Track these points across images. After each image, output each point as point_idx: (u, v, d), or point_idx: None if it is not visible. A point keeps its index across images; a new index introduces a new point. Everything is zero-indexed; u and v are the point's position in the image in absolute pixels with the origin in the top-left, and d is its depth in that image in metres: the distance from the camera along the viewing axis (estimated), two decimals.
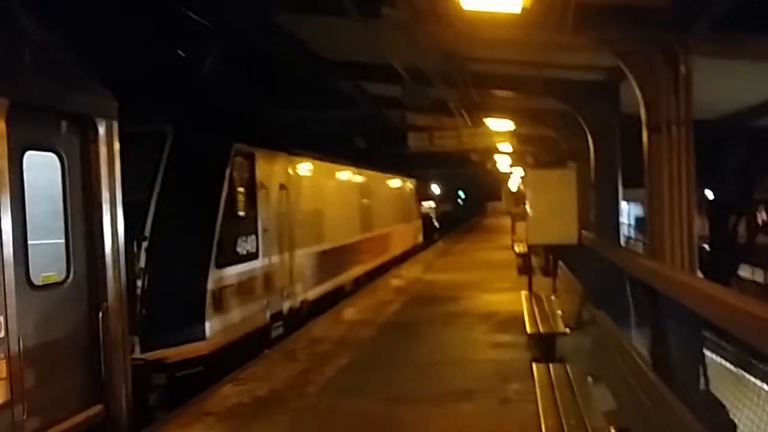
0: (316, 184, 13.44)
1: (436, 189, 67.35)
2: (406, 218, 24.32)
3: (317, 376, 7.73)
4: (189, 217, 8.42)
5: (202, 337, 8.14)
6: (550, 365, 5.67)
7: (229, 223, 8.89)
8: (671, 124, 6.10)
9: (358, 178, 17.28)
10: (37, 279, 5.42)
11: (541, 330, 7.04)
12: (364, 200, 17.79)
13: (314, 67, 11.87)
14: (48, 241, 5.85)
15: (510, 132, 13.40)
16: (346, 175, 16.24)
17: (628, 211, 29.09)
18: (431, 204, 59.58)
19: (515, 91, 10.54)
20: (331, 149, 15.19)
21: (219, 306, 8.55)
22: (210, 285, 8.34)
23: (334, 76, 12.50)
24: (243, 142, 9.51)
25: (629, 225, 26.37)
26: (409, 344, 9.32)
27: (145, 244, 7.81)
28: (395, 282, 16.20)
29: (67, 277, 5.71)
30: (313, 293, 12.48)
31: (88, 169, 5.98)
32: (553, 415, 4.56)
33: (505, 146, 15.86)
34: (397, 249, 21.56)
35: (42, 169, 5.64)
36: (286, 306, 10.98)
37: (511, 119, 12.22)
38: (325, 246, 13.49)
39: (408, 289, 14.75)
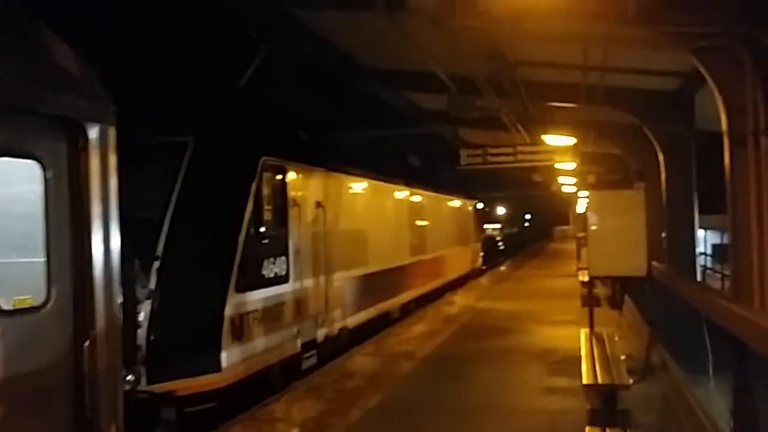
0: (359, 203, 12.63)
1: (501, 211, 66.06)
2: (463, 241, 23.21)
3: (338, 419, 6.83)
4: (207, 236, 7.72)
5: (217, 369, 7.37)
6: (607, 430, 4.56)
7: (254, 243, 8.13)
8: (760, 135, 4.96)
9: (410, 198, 16.39)
10: (8, 302, 4.78)
11: (600, 380, 5.92)
12: (416, 221, 16.86)
13: (357, 77, 11.11)
14: (24, 260, 5.20)
15: (572, 149, 12.28)
16: (396, 194, 15.38)
17: (704, 238, 27.07)
18: (496, 226, 58.29)
19: (574, 102, 9.43)
20: (382, 167, 14.38)
21: (239, 334, 7.78)
22: (228, 311, 7.57)
23: (378, 85, 11.69)
24: (273, 155, 8.78)
25: (705, 254, 24.40)
26: (448, 385, 8.29)
27: (156, 264, 7.13)
28: (445, 309, 15.16)
29: (47, 301, 5.04)
30: (353, 320, 11.60)
31: (77, 180, 5.31)
32: None
33: (568, 165, 14.67)
34: (452, 273, 20.48)
35: (20, 179, 5.03)
36: (320, 334, 10.14)
37: (572, 134, 11.11)
38: (369, 269, 12.62)
39: (458, 319, 13.69)
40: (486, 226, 52.11)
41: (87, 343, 5.24)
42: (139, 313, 6.70)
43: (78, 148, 5.33)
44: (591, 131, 11.14)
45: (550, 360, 9.47)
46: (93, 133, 5.40)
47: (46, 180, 5.05)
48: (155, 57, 8.61)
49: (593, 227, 8.42)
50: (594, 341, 7.67)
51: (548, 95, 9.87)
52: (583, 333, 8.31)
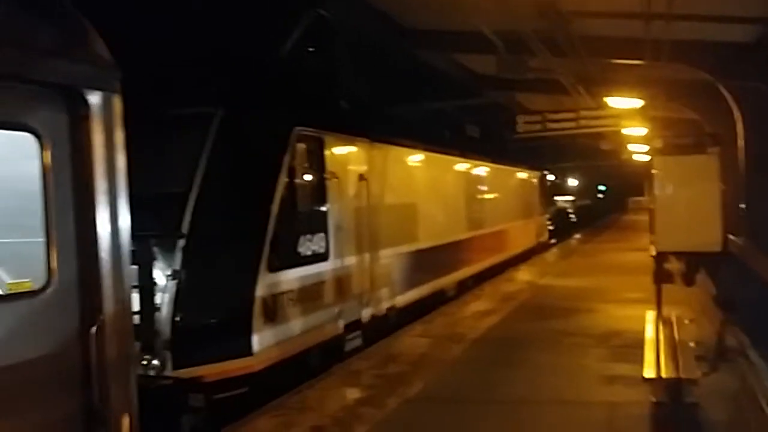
0: (408, 176, 12.00)
1: (573, 183, 64.10)
2: (528, 214, 22.24)
3: (374, 409, 6.33)
4: (236, 212, 7.29)
5: (248, 353, 6.98)
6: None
7: (288, 220, 7.66)
8: None
9: (466, 170, 15.63)
10: (2, 286, 4.46)
11: (664, 373, 5.16)
12: (474, 194, 16.10)
13: (404, 41, 10.39)
14: (21, 241, 4.87)
15: (639, 112, 11.21)
16: (450, 166, 14.65)
17: None
18: (568, 198, 56.72)
19: (639, 58, 8.43)
20: (435, 138, 13.68)
21: (272, 316, 7.36)
22: (260, 291, 7.16)
23: (423, 47, 10.91)
24: (308, 126, 8.27)
25: None
26: (499, 371, 7.66)
27: (181, 242, 6.76)
28: (504, 287, 14.42)
29: (47, 284, 4.72)
30: (403, 299, 11.07)
31: (78, 153, 4.93)
32: None
33: (637, 131, 13.54)
34: (514, 248, 19.61)
35: (14, 153, 4.69)
36: (366, 314, 9.65)
37: (639, 96, 10.08)
38: (421, 245, 12.02)
39: (517, 296, 12.95)
40: (557, 198, 50.71)
41: (94, 329, 4.90)
42: (156, 295, 6.36)
43: (78, 118, 4.95)
44: (660, 92, 10.08)
45: (614, 343, 8.69)
46: (95, 101, 4.99)
47: (42, 153, 4.70)
48: (181, 20, 8.18)
49: (660, 197, 7.54)
50: (661, 325, 6.86)
51: (609, 51, 8.89)
52: (649, 316, 7.49)
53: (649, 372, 5.25)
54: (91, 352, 4.79)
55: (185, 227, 6.82)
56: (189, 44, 8.11)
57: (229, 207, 7.23)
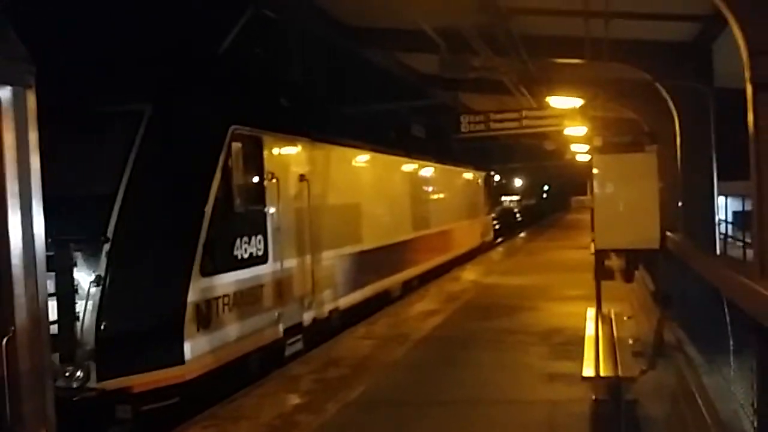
0: (352, 176, 11.82)
1: (519, 183, 65.08)
2: (473, 214, 22.33)
3: (312, 416, 6.12)
4: (167, 214, 6.97)
5: (180, 361, 6.67)
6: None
7: (223, 222, 7.38)
8: None
9: (411, 170, 15.54)
10: None
11: (603, 372, 5.12)
12: (419, 194, 16.02)
13: (342, 37, 10.21)
14: None
15: (580, 112, 11.33)
16: (395, 166, 14.53)
17: (725, 205, 25.85)
18: (513, 198, 57.57)
19: (579, 57, 8.47)
20: (379, 138, 13.53)
21: (206, 322, 7.06)
22: (192, 296, 6.85)
23: (365, 45, 10.75)
24: (245, 124, 7.99)
25: (725, 222, 23.24)
26: (442, 371, 7.56)
27: (106, 246, 6.41)
28: (449, 286, 14.39)
29: None
30: (346, 301, 10.87)
31: None
32: None
33: (579, 131, 13.72)
34: (459, 248, 19.65)
35: None
36: (307, 317, 9.42)
37: (579, 95, 10.16)
38: (364, 246, 11.85)
39: (462, 296, 12.92)
40: (504, 198, 51.29)
41: (5, 341, 4.57)
42: (78, 302, 6.01)
43: None
44: (600, 91, 10.19)
45: (555, 341, 8.71)
46: (5, 96, 4.66)
47: None
48: (111, 12, 7.80)
49: (600, 195, 7.55)
50: (600, 322, 6.86)
51: (550, 50, 8.93)
52: (589, 313, 7.50)
53: (588, 371, 5.21)
54: (2, 366, 4.47)
55: (111, 230, 6.48)
56: (118, 37, 7.74)
57: (159, 209, 6.92)
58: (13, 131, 4.68)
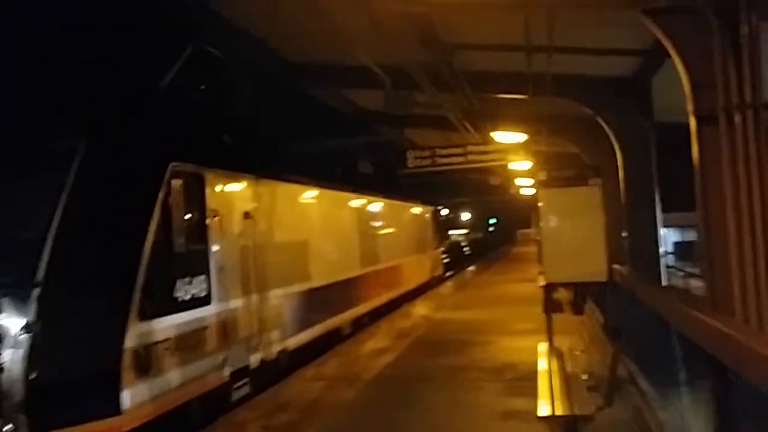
0: (298, 213, 11.61)
1: (466, 217, 65.80)
2: (421, 249, 22.30)
3: None
4: (101, 256, 6.60)
5: (116, 412, 6.26)
6: None
7: (162, 263, 7.04)
8: (732, 110, 4.13)
9: (359, 206, 15.42)
10: None
11: (558, 411, 5.00)
12: (367, 230, 15.89)
13: (287, 74, 10.12)
14: None
15: (524, 146, 11.49)
16: (343, 202, 14.39)
17: (664, 237, 26.59)
18: (461, 232, 58.08)
19: (522, 93, 8.58)
20: (326, 174, 13.40)
21: (145, 368, 6.67)
22: (129, 342, 6.47)
23: (310, 82, 10.70)
24: (186, 161, 7.73)
25: (668, 253, 23.90)
26: (394, 413, 7.32)
27: (36, 292, 6.02)
28: (400, 323, 14.20)
29: None
30: (295, 340, 10.56)
31: None
32: None
33: (523, 165, 13.91)
34: (409, 283, 19.53)
35: None
36: (254, 359, 9.08)
37: (523, 130, 10.30)
38: (313, 283, 11.60)
39: (412, 332, 12.74)
40: (451, 232, 51.66)
41: None
42: (5, 351, 5.60)
43: None
44: (543, 126, 10.35)
45: (508, 376, 8.60)
46: None
47: None
48: (41, 45, 7.49)
49: (546, 229, 7.57)
50: (553, 357, 6.78)
51: (493, 86, 9.02)
52: (540, 348, 7.43)
53: (543, 409, 5.08)
54: None
55: (41, 275, 6.09)
56: (51, 72, 7.43)
57: (93, 251, 6.53)
58: None
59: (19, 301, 5.94)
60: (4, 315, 5.70)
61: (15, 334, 5.78)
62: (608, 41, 6.40)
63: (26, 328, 5.86)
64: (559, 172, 10.80)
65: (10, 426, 5.67)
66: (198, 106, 10.00)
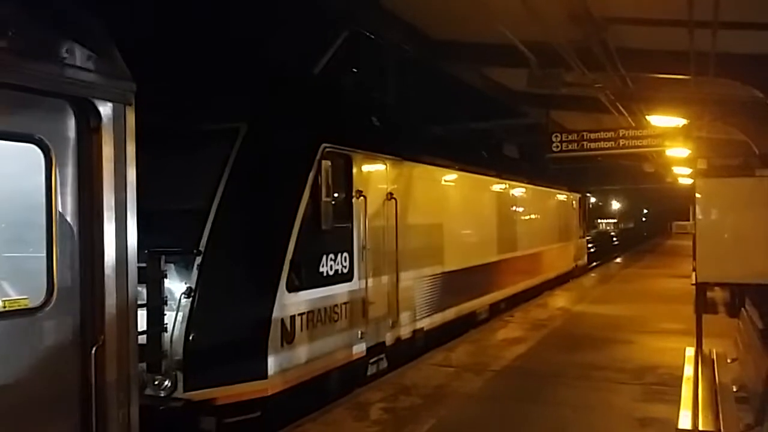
0: (440, 196, 11.67)
1: (616, 206, 62.93)
2: (564, 237, 21.63)
3: None
4: (256, 230, 7.08)
5: (263, 376, 6.73)
6: None
7: (310, 239, 7.42)
8: None
9: (501, 191, 15.22)
10: None
11: (700, 425, 4.68)
12: (509, 215, 15.66)
13: (432, 54, 10.11)
14: (21, 255, 4.70)
15: (683, 132, 10.67)
16: (484, 187, 14.26)
17: None
18: (611, 221, 55.66)
19: (682, 73, 7.93)
20: (470, 158, 13.35)
21: (289, 338, 7.11)
22: (277, 312, 6.91)
23: (452, 60, 10.55)
24: (335, 143, 8.04)
25: None
26: (521, 407, 7.19)
27: (198, 260, 6.57)
28: (536, 312, 13.90)
29: (46, 302, 4.53)
30: (430, 321, 10.71)
31: (86, 166, 4.77)
32: None
33: (681, 152, 12.97)
34: (550, 271, 19.05)
35: (19, 165, 4.54)
36: (390, 336, 9.34)
37: (682, 114, 9.55)
38: (450, 267, 11.65)
39: (548, 324, 12.43)
40: (600, 220, 49.56)
41: (95, 350, 4.70)
42: (168, 313, 6.17)
43: (88, 129, 4.80)
44: (705, 110, 9.53)
45: (648, 380, 8.15)
46: (106, 113, 4.84)
47: (47, 165, 4.54)
48: (208, 34, 8.08)
49: (703, 223, 7.06)
50: (700, 363, 6.35)
51: (650, 65, 8.38)
52: (687, 353, 6.97)
53: (684, 421, 4.78)
54: (91, 374, 4.59)
55: (203, 244, 6.63)
56: (215, 58, 8.00)
57: (249, 225, 7.02)
58: (112, 145, 4.86)
59: (183, 267, 6.51)
60: (168, 280, 6.24)
61: (178, 298, 6.35)
62: None
63: (188, 293, 6.42)
64: (722, 161, 10.00)
65: (168, 382, 6.25)
66: (348, 88, 10.35)
